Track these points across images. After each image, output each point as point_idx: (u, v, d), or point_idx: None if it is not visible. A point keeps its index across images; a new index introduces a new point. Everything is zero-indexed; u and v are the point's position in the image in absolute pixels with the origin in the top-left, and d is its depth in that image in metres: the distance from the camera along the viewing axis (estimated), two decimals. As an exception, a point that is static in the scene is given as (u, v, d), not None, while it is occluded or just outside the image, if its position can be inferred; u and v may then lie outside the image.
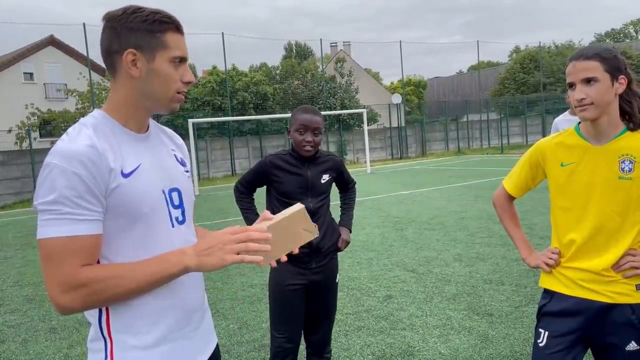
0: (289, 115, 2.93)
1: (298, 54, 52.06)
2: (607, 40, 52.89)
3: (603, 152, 1.88)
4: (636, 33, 55.32)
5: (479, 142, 31.46)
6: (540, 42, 37.59)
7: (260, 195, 2.80)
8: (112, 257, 1.30)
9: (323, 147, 25.21)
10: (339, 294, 3.07)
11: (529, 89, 35.59)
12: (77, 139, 1.27)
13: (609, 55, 1.82)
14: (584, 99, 1.81)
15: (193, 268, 1.27)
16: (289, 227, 1.42)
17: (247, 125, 24.99)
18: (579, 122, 1.98)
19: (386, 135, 28.65)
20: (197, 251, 1.28)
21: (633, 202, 1.86)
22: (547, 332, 1.97)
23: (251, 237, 1.28)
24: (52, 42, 28.74)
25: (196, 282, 1.49)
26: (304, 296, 2.71)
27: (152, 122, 1.51)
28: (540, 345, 1.97)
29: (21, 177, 18.29)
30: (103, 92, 21.79)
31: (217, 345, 1.61)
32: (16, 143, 20.64)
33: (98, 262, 1.28)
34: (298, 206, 1.47)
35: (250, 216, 2.83)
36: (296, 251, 1.45)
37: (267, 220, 1.41)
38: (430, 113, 36.32)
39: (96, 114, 1.38)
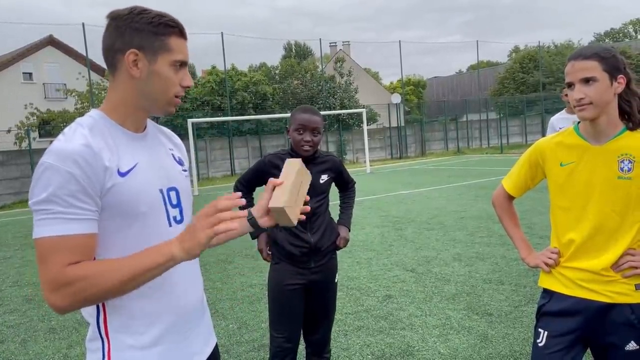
0: (288, 115, 2.93)
1: (297, 53, 52.06)
2: (607, 40, 52.92)
3: (602, 151, 1.88)
4: (635, 33, 55.36)
5: (479, 142, 31.47)
6: (539, 42, 37.63)
7: (259, 195, 2.80)
8: (109, 257, 1.30)
9: (323, 147, 25.23)
10: (339, 293, 3.08)
11: (528, 88, 35.59)
12: (73, 138, 1.27)
13: (607, 55, 1.82)
14: (582, 98, 1.81)
15: (179, 255, 1.22)
16: (297, 181, 1.49)
17: (247, 125, 24.97)
18: (578, 122, 1.98)
19: (386, 135, 28.65)
20: (180, 239, 1.24)
21: (632, 201, 1.86)
22: (546, 332, 1.97)
23: (218, 206, 1.21)
24: (51, 42, 28.74)
25: (194, 282, 1.50)
26: (303, 296, 2.71)
27: (150, 122, 1.51)
28: (540, 345, 1.97)
29: (20, 177, 18.27)
30: (102, 92, 21.78)
31: (216, 345, 1.61)
32: (15, 143, 20.63)
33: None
34: (297, 162, 1.53)
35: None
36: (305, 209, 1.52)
37: (278, 186, 1.47)
38: (429, 113, 36.33)
39: (93, 113, 1.38)
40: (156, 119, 19.74)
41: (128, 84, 1.36)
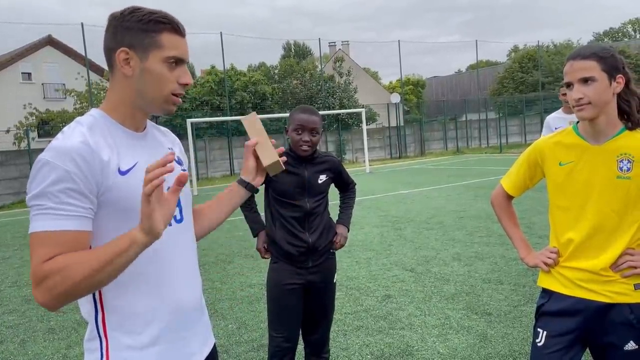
0: (287, 114, 2.92)
1: (297, 53, 52.01)
2: (606, 40, 52.95)
3: (601, 151, 1.88)
4: (634, 32, 55.39)
5: (478, 142, 31.48)
6: (538, 42, 37.67)
7: (259, 195, 2.80)
8: None
9: (322, 147, 25.26)
10: (338, 293, 3.08)
11: (527, 88, 35.59)
12: (71, 136, 1.28)
13: (606, 55, 1.82)
14: (581, 98, 1.81)
15: (139, 237, 1.17)
16: (265, 133, 1.65)
17: (246, 125, 24.92)
18: (577, 122, 1.98)
19: (385, 134, 28.66)
20: (140, 222, 1.19)
21: (631, 201, 1.86)
22: (545, 332, 1.97)
23: (145, 179, 1.15)
24: (50, 42, 28.71)
25: (192, 281, 1.49)
26: (302, 296, 2.70)
27: (149, 122, 1.52)
28: (539, 344, 1.97)
29: (19, 177, 18.25)
30: (101, 92, 21.77)
31: (215, 345, 1.61)
32: (14, 143, 20.62)
33: None
34: (254, 116, 1.66)
35: (249, 214, 2.84)
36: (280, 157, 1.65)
37: (258, 145, 1.63)
38: (429, 112, 36.33)
39: (94, 112, 1.39)
40: (155, 119, 19.74)
41: (123, 83, 1.37)
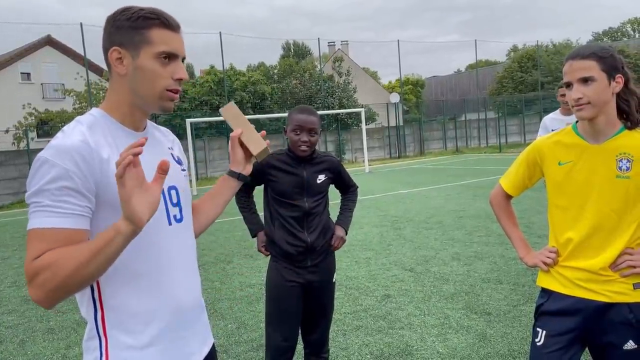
0: (287, 114, 2.90)
1: (296, 53, 51.98)
2: (605, 39, 52.94)
3: (601, 150, 1.89)
4: (634, 32, 55.41)
5: (477, 141, 31.49)
6: (538, 41, 37.61)
7: (258, 195, 2.80)
8: None
9: (322, 147, 25.26)
10: (337, 293, 3.08)
11: (526, 87, 35.60)
12: (71, 135, 1.28)
13: (605, 55, 1.82)
14: (581, 98, 1.81)
15: (123, 226, 1.16)
16: (247, 121, 1.66)
17: (245, 125, 24.92)
18: (576, 121, 1.98)
19: (384, 134, 28.66)
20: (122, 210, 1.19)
21: (630, 200, 1.86)
22: (544, 331, 1.97)
23: (117, 162, 1.14)
24: (49, 42, 28.67)
25: (191, 281, 1.50)
26: (301, 295, 2.70)
27: (149, 122, 1.52)
28: (538, 344, 1.97)
29: (19, 178, 18.24)
30: (100, 92, 21.75)
31: (214, 345, 1.61)
32: (13, 143, 20.60)
33: None
34: (232, 106, 1.67)
35: (248, 215, 2.84)
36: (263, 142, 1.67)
37: (242, 134, 1.64)
38: (428, 112, 36.33)
39: (94, 111, 1.39)
40: (155, 119, 19.69)
41: (119, 82, 1.37)
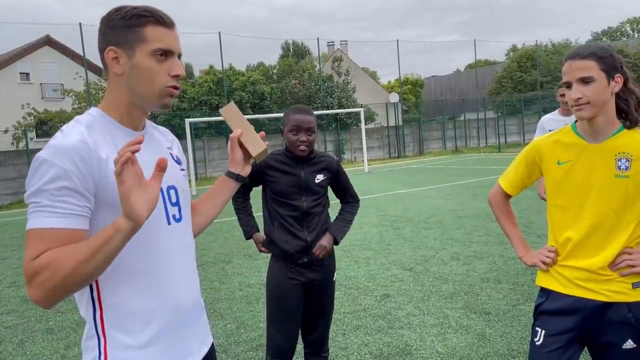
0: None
1: (295, 53, 51.94)
2: (604, 39, 52.97)
3: (600, 150, 1.89)
4: (633, 31, 55.44)
5: (476, 141, 31.49)
6: (537, 41, 37.61)
7: (256, 196, 2.80)
8: None
9: (321, 147, 25.27)
10: (337, 293, 3.07)
11: (526, 87, 35.61)
12: (70, 134, 1.28)
13: (605, 54, 1.82)
14: (580, 98, 1.82)
15: (122, 223, 1.17)
16: (246, 121, 1.66)
17: (245, 125, 24.92)
18: (576, 121, 1.98)
19: (383, 134, 28.66)
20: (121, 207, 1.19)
21: (629, 199, 1.86)
22: (543, 331, 1.97)
23: (115, 160, 1.15)
24: (48, 41, 28.64)
25: (190, 281, 1.50)
26: (302, 294, 2.71)
27: (148, 122, 1.52)
28: (537, 343, 1.97)
29: (18, 178, 18.23)
30: (100, 92, 21.72)
31: (213, 345, 1.61)
32: (13, 143, 20.58)
33: None
34: (232, 107, 1.67)
35: (243, 217, 2.85)
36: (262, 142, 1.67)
37: (242, 135, 1.63)
38: (427, 112, 36.32)
39: (93, 111, 1.39)
40: (154, 119, 19.65)
41: (117, 82, 1.37)
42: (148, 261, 1.36)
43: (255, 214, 2.92)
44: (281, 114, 20.72)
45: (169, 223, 1.42)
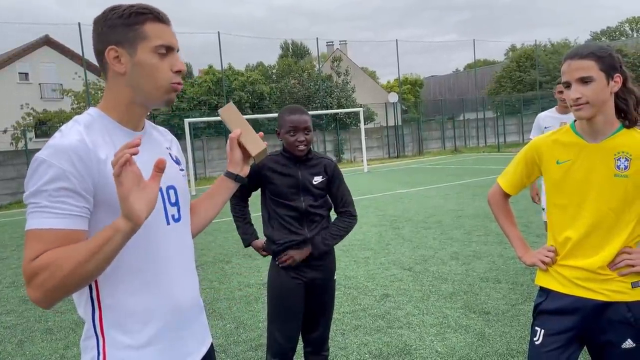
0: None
1: (294, 53, 51.96)
2: (603, 39, 52.99)
3: (599, 149, 1.89)
4: (632, 31, 55.48)
5: (476, 141, 31.50)
6: (536, 41, 37.69)
7: (254, 196, 2.80)
8: None
9: (320, 147, 25.26)
10: (336, 292, 3.07)
11: (525, 87, 35.63)
12: (68, 134, 1.28)
13: (604, 54, 1.82)
14: (579, 98, 1.82)
15: (121, 224, 1.17)
16: (245, 120, 1.66)
17: (244, 125, 24.92)
18: (575, 120, 1.98)
19: (383, 134, 28.66)
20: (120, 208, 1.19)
21: (628, 199, 1.86)
22: (543, 330, 1.97)
23: (113, 162, 1.15)
24: (47, 41, 28.62)
25: (189, 281, 1.49)
26: (303, 294, 2.71)
27: (148, 122, 1.52)
28: (536, 343, 1.97)
29: (17, 178, 18.21)
30: (99, 92, 21.70)
31: (212, 345, 1.61)
32: (12, 143, 20.56)
33: None
34: (231, 107, 1.67)
35: (241, 225, 2.83)
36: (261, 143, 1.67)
37: (241, 135, 1.64)
38: (426, 112, 36.33)
39: (92, 111, 1.39)
40: (153, 119, 19.64)
41: (118, 81, 1.37)
42: (147, 261, 1.35)
43: (253, 214, 2.91)
44: (280, 114, 20.71)
45: (168, 223, 1.42)
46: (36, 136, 24.05)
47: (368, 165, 21.73)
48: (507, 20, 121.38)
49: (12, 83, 27.49)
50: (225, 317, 4.67)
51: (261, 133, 1.68)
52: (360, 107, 25.85)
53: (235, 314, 4.74)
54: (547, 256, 2.00)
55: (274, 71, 32.72)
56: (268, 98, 26.74)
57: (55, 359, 4.07)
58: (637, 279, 1.88)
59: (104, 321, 1.32)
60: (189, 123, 18.23)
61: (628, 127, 1.89)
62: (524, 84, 35.86)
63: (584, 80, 1.81)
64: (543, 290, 2.04)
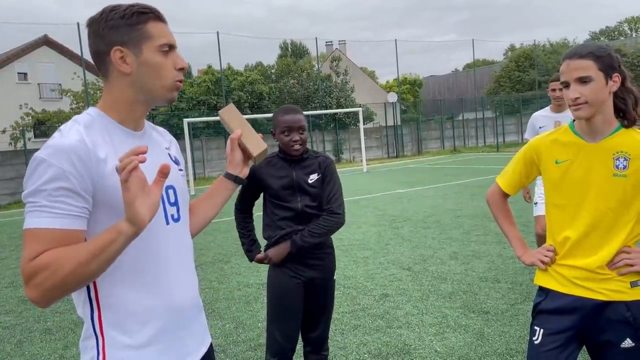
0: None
1: (294, 52, 51.91)
2: (602, 38, 53.01)
3: (598, 149, 1.89)
4: (631, 31, 55.52)
5: (475, 141, 31.51)
6: (535, 40, 37.69)
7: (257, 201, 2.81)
8: None
9: (319, 146, 25.26)
10: (335, 292, 3.06)
11: (524, 87, 35.65)
12: (68, 134, 1.28)
13: (602, 54, 1.82)
14: (578, 98, 1.82)
15: (124, 227, 1.17)
16: (245, 120, 1.66)
17: (243, 125, 24.93)
18: (573, 120, 1.98)
19: (382, 134, 28.67)
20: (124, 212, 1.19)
21: (627, 198, 1.87)
22: (542, 330, 1.97)
23: (120, 167, 1.15)
24: (46, 41, 28.59)
25: (189, 281, 1.49)
26: (302, 293, 2.71)
27: (147, 122, 1.52)
28: (536, 342, 1.98)
29: (16, 178, 18.19)
30: (98, 92, 21.69)
31: (211, 345, 1.61)
32: (10, 143, 20.56)
33: None
34: (231, 108, 1.67)
35: (246, 240, 2.80)
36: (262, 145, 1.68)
37: (242, 136, 1.64)
38: (426, 111, 36.34)
39: (91, 111, 1.38)
40: (152, 119, 19.63)
41: (122, 82, 1.36)
42: (146, 261, 1.35)
43: (255, 213, 2.91)
44: (279, 114, 20.69)
45: (168, 223, 1.42)
46: (35, 136, 24.03)
47: (367, 165, 21.73)
48: (506, 20, 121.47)
49: (11, 83, 27.46)
50: (225, 317, 4.67)
51: (260, 134, 1.68)
52: (360, 107, 25.85)
53: (235, 314, 4.74)
54: (546, 256, 2.00)
55: (273, 71, 32.69)
56: (267, 98, 26.73)
57: (54, 359, 4.07)
58: (636, 279, 1.88)
59: (104, 321, 1.32)
60: (188, 123, 18.22)
61: (627, 126, 1.89)
62: (523, 83, 35.88)
63: (583, 80, 1.81)
64: (542, 290, 2.04)
